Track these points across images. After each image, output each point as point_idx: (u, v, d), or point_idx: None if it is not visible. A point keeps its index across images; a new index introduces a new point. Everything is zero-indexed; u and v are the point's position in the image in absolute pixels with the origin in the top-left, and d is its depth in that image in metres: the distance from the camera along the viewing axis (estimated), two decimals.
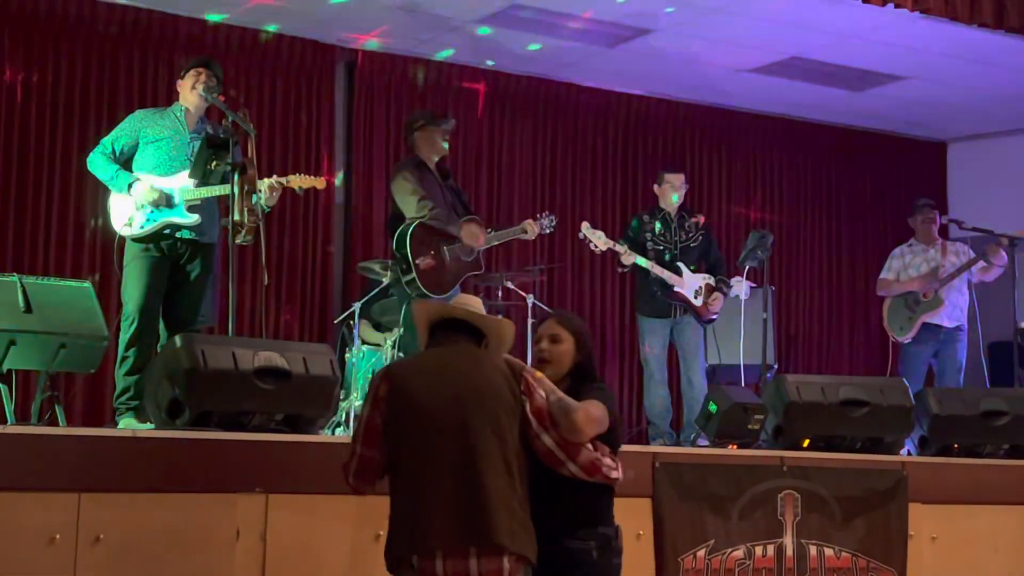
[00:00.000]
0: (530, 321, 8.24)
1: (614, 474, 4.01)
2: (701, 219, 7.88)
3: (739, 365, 8.21)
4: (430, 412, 3.83)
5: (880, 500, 6.11)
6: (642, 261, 7.47)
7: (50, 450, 4.40)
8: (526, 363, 4.12)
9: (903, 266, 8.55)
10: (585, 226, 7.55)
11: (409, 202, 6.83)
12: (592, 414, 3.92)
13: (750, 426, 6.28)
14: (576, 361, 4.22)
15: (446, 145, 7.11)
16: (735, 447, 6.25)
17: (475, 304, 4.12)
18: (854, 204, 11.14)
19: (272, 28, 8.47)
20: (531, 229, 7.32)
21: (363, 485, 3.98)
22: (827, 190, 11.08)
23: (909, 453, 6.73)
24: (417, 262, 6.71)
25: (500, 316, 4.29)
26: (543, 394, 3.90)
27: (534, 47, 8.74)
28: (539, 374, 3.99)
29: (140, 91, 8.25)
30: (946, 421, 6.66)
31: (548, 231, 7.58)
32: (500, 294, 8.34)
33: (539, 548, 3.90)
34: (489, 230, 7.18)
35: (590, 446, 3.93)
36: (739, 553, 5.73)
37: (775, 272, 10.14)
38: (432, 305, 4.21)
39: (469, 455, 3.77)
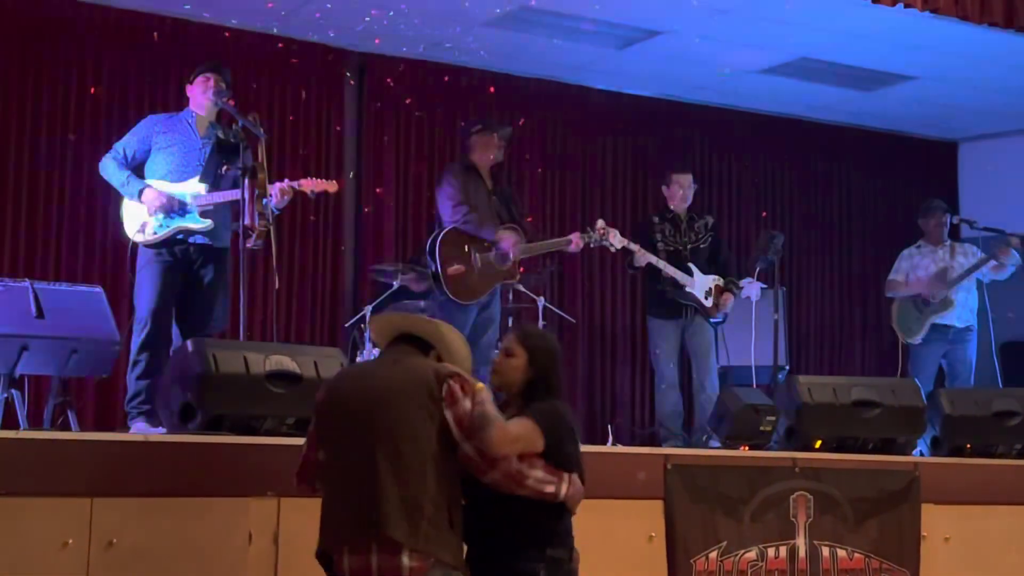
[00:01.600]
0: (541, 324, 8.24)
1: (549, 488, 3.90)
2: (711, 220, 7.86)
3: (750, 366, 8.20)
4: (347, 411, 3.92)
5: (893, 501, 6.09)
6: (656, 261, 7.45)
7: (62, 455, 4.41)
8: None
9: (912, 267, 8.51)
10: (600, 224, 7.52)
11: (446, 207, 6.85)
12: (510, 433, 3.85)
13: (762, 427, 6.27)
14: (528, 378, 4.10)
15: (501, 155, 7.11)
16: (747, 448, 6.24)
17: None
18: (865, 204, 11.12)
19: None
20: (576, 242, 7.23)
21: (303, 485, 4.08)
22: (838, 191, 11.07)
23: (921, 454, 6.72)
24: (445, 268, 6.71)
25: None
26: (468, 405, 3.83)
27: None
28: (479, 385, 3.92)
29: (151, 96, 8.26)
30: (958, 421, 6.64)
31: (595, 245, 7.42)
32: (511, 297, 8.33)
33: (486, 569, 3.91)
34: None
35: (515, 459, 3.86)
36: (752, 555, 5.73)
37: (786, 273, 10.13)
38: (379, 320, 4.22)
39: (373, 452, 3.80)
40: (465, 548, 3.91)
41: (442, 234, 6.77)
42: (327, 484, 3.92)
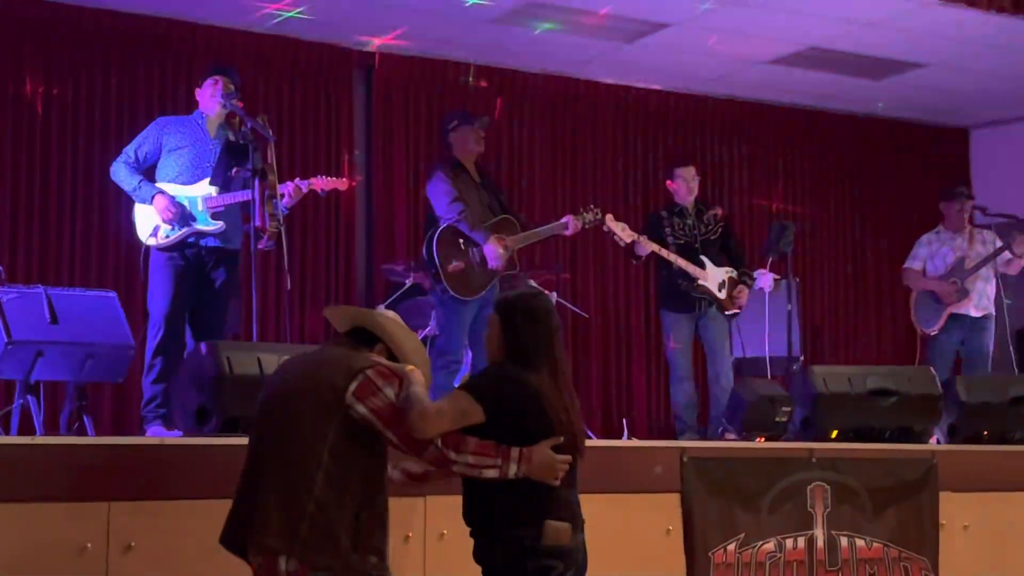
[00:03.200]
0: None
1: (489, 473, 3.69)
2: (720, 211, 7.83)
3: (765, 357, 8.18)
4: (260, 406, 3.89)
5: (910, 490, 6.08)
6: (660, 251, 7.41)
7: (79, 460, 4.42)
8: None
9: (930, 255, 8.43)
10: (609, 218, 7.49)
11: (440, 203, 6.81)
12: (430, 409, 3.64)
13: (777, 418, 6.28)
14: (505, 345, 3.91)
15: (482, 145, 7.04)
16: (763, 440, 6.23)
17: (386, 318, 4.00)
18: (876, 193, 11.08)
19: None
20: (572, 224, 7.18)
21: None
22: (849, 180, 11.03)
23: (938, 442, 6.70)
24: (445, 266, 6.68)
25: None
26: (391, 392, 3.67)
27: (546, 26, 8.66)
28: (409, 368, 3.76)
29: (160, 100, 8.27)
30: (975, 408, 6.63)
31: (592, 225, 7.32)
32: None
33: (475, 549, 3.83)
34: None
35: (439, 441, 3.66)
36: (770, 546, 5.72)
37: (799, 263, 10.09)
38: (331, 312, 4.11)
39: (263, 450, 3.75)
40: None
41: (438, 232, 6.73)
42: (239, 477, 3.85)
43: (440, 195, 6.80)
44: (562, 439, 3.81)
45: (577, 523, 3.88)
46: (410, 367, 3.77)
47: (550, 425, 3.81)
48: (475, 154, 6.99)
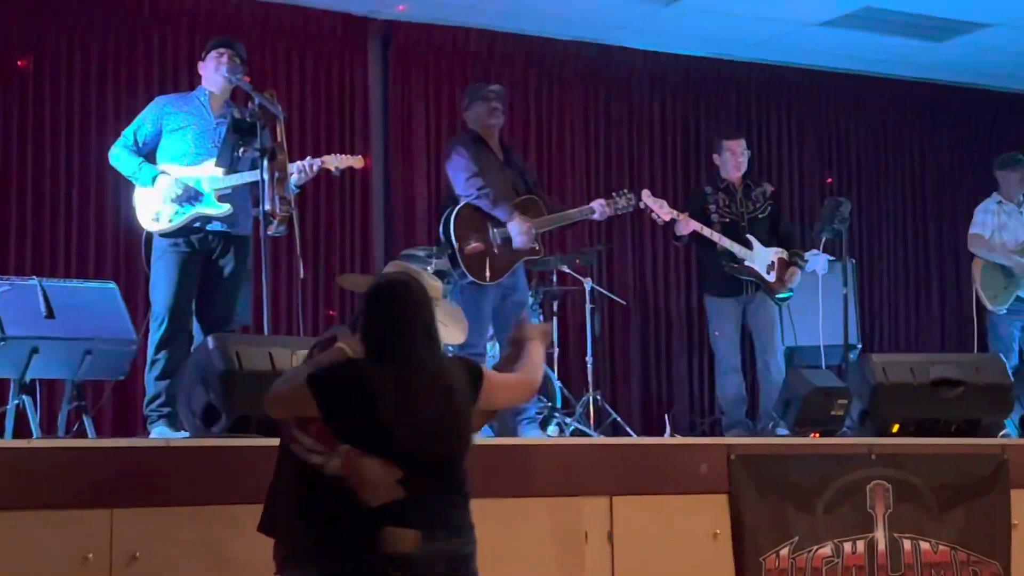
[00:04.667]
0: (588, 307, 8.23)
1: (314, 459, 3.70)
2: (769, 188, 7.79)
3: (819, 346, 8.15)
4: None
5: (979, 487, 6.05)
6: (702, 229, 7.38)
7: (79, 464, 4.45)
8: None
9: (998, 225, 8.30)
10: (646, 194, 7.46)
11: (459, 178, 6.78)
12: (271, 393, 3.85)
13: (833, 412, 6.25)
14: (361, 334, 3.78)
15: (500, 117, 6.97)
16: (817, 435, 6.22)
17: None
18: (938, 165, 11.04)
19: None
20: (600, 210, 7.12)
21: None
22: (908, 151, 10.99)
23: (1009, 435, 6.67)
24: (462, 247, 6.65)
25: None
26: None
27: None
28: (340, 346, 3.87)
29: (160, 76, 8.30)
30: None
31: (624, 211, 7.30)
32: (555, 279, 8.31)
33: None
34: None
35: (294, 423, 3.81)
36: (826, 550, 5.70)
37: (855, 243, 10.07)
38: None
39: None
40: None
41: (456, 210, 6.70)
42: None
43: (459, 170, 6.77)
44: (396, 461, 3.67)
45: (435, 531, 3.69)
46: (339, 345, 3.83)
47: (387, 435, 3.67)
48: (495, 128, 6.95)
